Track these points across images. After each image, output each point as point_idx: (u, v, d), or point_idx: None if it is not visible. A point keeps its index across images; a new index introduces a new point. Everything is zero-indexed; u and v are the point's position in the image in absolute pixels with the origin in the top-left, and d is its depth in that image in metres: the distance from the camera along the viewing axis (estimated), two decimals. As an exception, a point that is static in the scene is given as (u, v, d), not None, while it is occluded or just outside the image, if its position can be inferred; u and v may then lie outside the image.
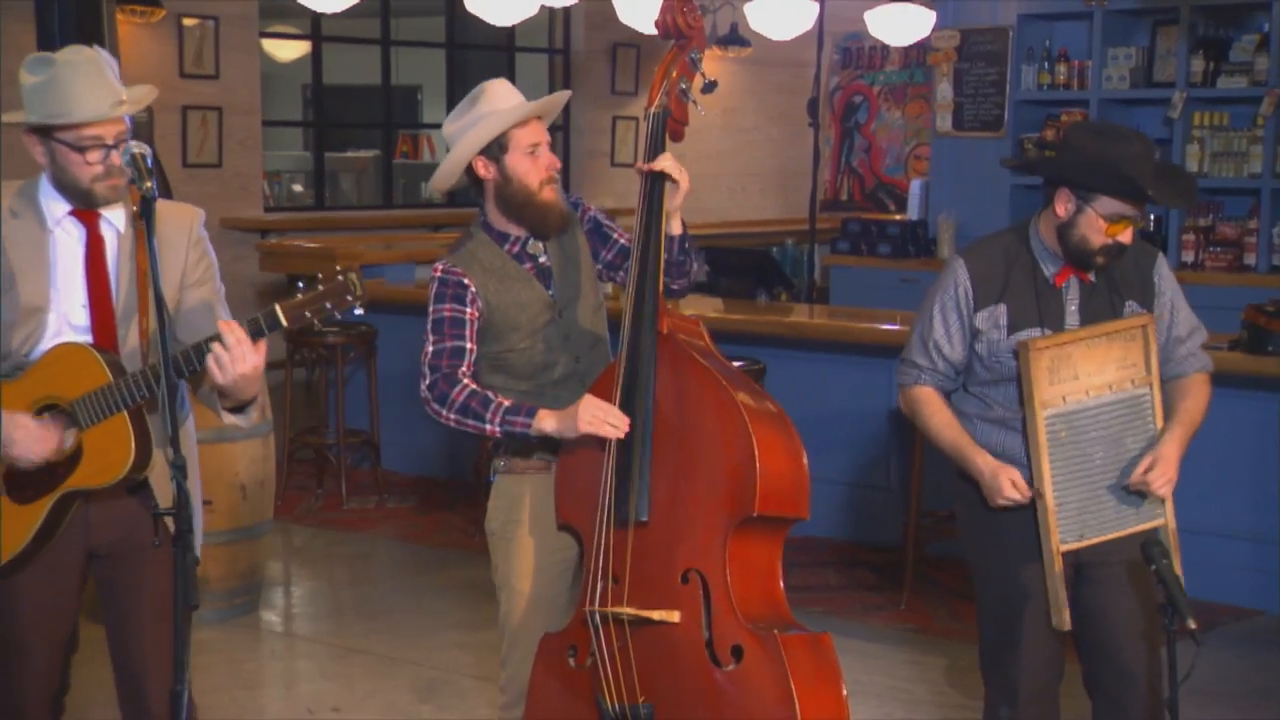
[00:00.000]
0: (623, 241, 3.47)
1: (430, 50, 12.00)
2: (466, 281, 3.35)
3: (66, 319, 3.00)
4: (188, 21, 9.53)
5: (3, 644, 3.10)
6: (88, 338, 2.99)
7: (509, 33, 11.52)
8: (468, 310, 3.34)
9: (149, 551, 2.99)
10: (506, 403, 3.26)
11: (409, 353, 7.50)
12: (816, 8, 9.43)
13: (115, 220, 3.04)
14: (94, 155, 2.92)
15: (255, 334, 2.86)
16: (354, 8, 8.65)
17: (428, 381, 3.34)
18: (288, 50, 12.47)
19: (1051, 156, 4.18)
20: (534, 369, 3.38)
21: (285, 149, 13.28)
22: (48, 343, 2.99)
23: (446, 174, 3.42)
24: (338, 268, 2.88)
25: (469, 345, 3.34)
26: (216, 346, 2.82)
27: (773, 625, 3.09)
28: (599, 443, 3.19)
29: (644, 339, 3.19)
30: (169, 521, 2.71)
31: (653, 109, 3.31)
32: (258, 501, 5.53)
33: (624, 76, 12.01)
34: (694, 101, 3.33)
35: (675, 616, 3.11)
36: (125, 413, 2.92)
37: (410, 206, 12.72)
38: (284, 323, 2.83)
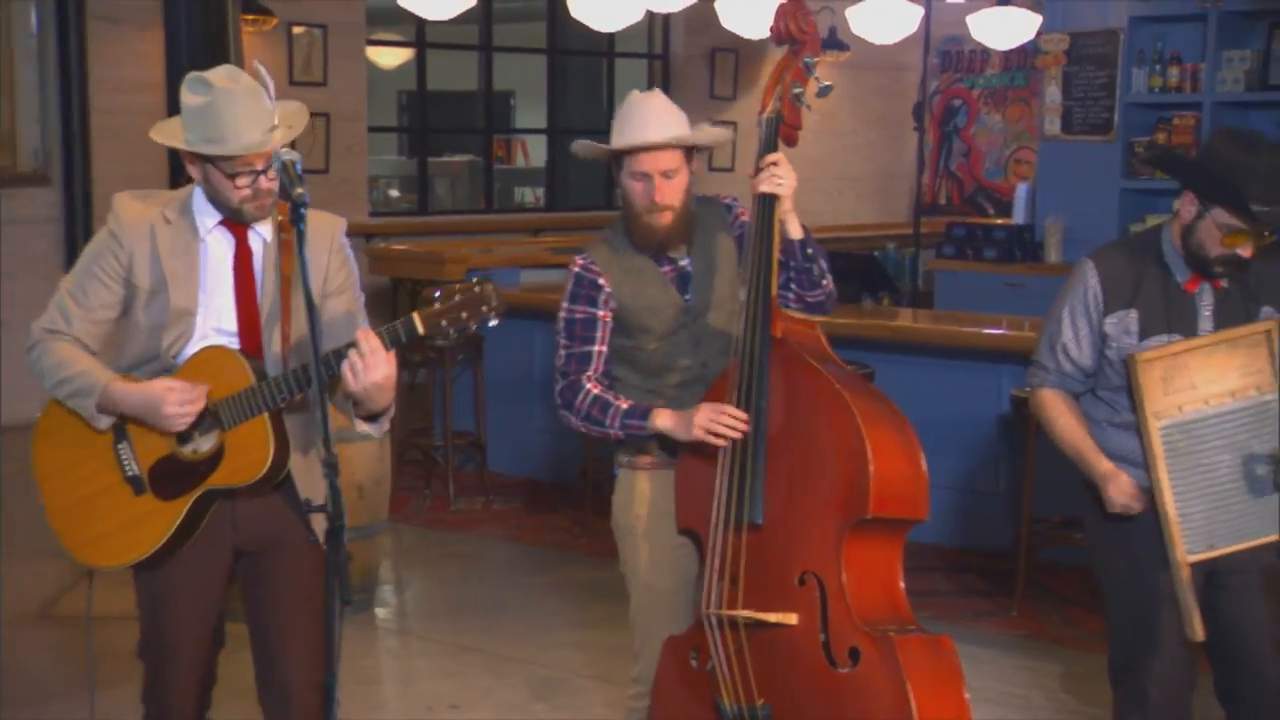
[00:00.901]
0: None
1: (522, 55, 12.07)
2: (602, 281, 3.39)
3: (214, 323, 3.08)
4: (297, 30, 9.70)
5: (152, 637, 3.19)
6: (234, 342, 3.08)
7: (609, 38, 11.58)
8: (599, 312, 3.39)
9: (294, 548, 3.08)
10: (624, 405, 3.33)
11: (515, 355, 7.72)
12: (920, 11, 9.39)
13: (263, 231, 3.12)
14: (243, 180, 3.01)
15: (392, 342, 2.91)
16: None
17: (559, 387, 3.42)
18: (389, 57, 12.62)
19: (1187, 159, 4.13)
20: (659, 369, 3.43)
21: (381, 154, 13.46)
22: (194, 346, 3.07)
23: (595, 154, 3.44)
24: (474, 279, 2.92)
25: (596, 349, 3.39)
26: (352, 354, 2.88)
27: (890, 627, 3.10)
28: (714, 446, 3.22)
29: (757, 343, 3.21)
30: (318, 518, 2.77)
31: (766, 114, 3.33)
32: (374, 501, 5.62)
33: (722, 81, 12.02)
34: (808, 106, 3.35)
35: (792, 619, 3.13)
36: (266, 415, 2.99)
37: (507, 211, 12.84)
38: (421, 332, 2.88)
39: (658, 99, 3.40)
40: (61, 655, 5.23)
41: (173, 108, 7.07)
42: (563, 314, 3.42)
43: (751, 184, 3.29)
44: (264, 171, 3.00)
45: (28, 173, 8.83)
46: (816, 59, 3.34)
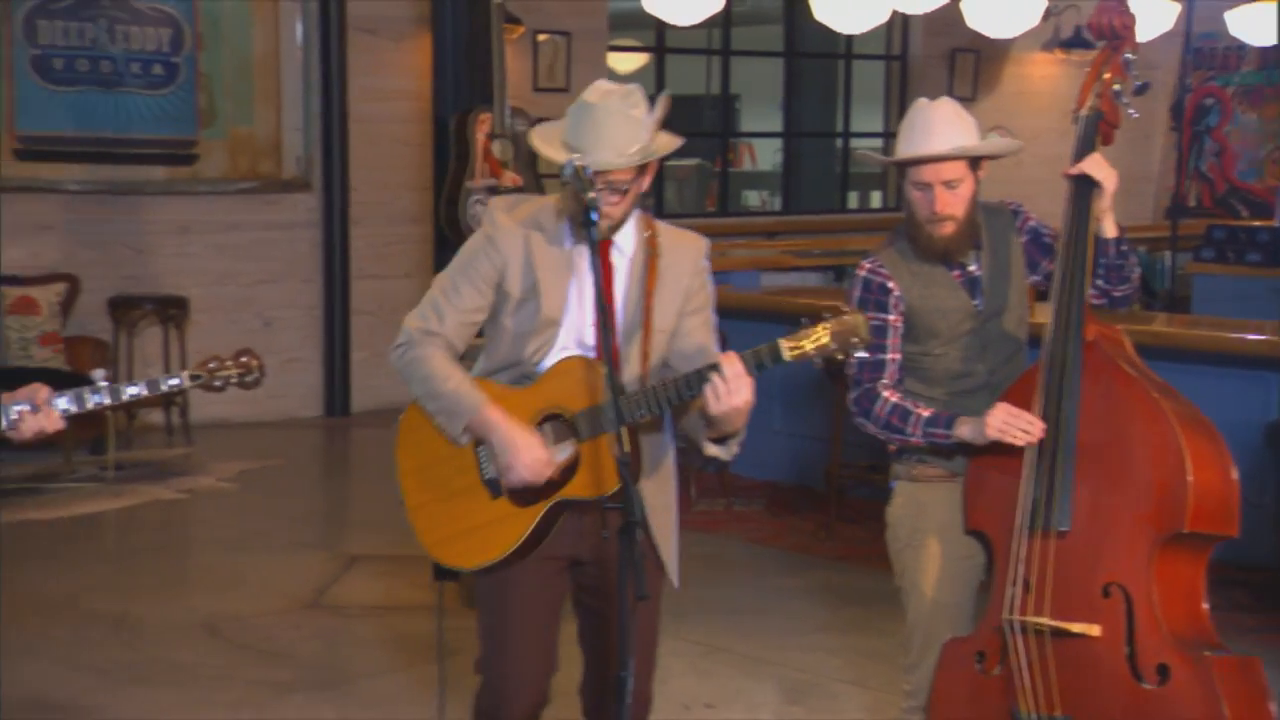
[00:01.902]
0: None
1: (746, 59, 12.08)
2: (891, 284, 3.38)
3: (576, 336, 3.10)
4: (541, 37, 9.91)
5: (492, 651, 3.19)
6: (591, 355, 3.09)
7: (847, 40, 11.52)
8: (890, 317, 3.37)
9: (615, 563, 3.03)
10: (925, 414, 3.29)
11: (758, 359, 7.71)
12: (1177, 9, 9.09)
13: (625, 246, 3.12)
14: (602, 193, 2.99)
15: (755, 368, 2.90)
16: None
17: (853, 395, 3.42)
18: (626, 62, 12.79)
19: None
20: (948, 376, 3.39)
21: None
22: (554, 355, 3.09)
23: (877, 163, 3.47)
24: (843, 308, 2.92)
25: (889, 356, 3.38)
26: (715, 377, 2.87)
27: (1201, 646, 3.02)
28: (1015, 449, 3.17)
29: (1069, 346, 3.16)
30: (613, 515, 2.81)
31: (1083, 112, 3.28)
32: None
33: (962, 82, 11.84)
34: (1127, 104, 3.28)
35: (1095, 630, 3.07)
36: (623, 430, 2.94)
37: (739, 214, 12.88)
38: (785, 358, 2.88)
39: (944, 107, 3.36)
40: (334, 642, 5.45)
41: (430, 115, 7.23)
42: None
43: (1068, 176, 3.25)
44: (625, 191, 3.01)
45: (290, 179, 9.24)
46: (1136, 55, 3.26)
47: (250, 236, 9.16)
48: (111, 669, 5.00)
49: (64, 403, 2.86)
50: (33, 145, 8.38)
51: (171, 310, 8.60)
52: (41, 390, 2.86)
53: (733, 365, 2.87)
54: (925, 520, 3.43)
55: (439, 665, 3.44)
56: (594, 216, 2.86)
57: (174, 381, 2.96)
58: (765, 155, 16.08)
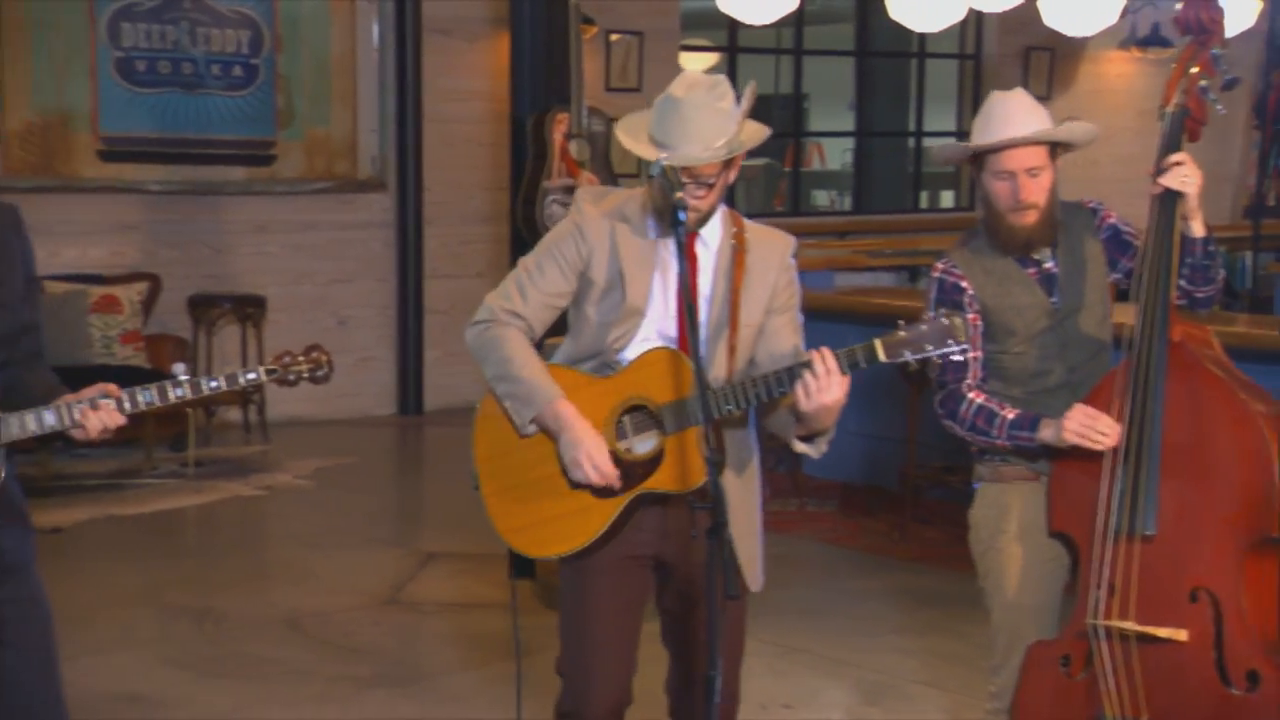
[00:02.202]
0: None
1: (814, 58, 12.05)
2: (964, 284, 3.37)
3: (658, 327, 3.07)
4: (614, 37, 9.94)
5: (574, 652, 3.17)
6: (673, 347, 3.06)
7: (920, 39, 11.46)
8: (967, 316, 3.35)
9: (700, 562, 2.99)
10: (1010, 415, 3.28)
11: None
12: (1258, 5, 8.96)
13: (711, 241, 3.11)
14: (688, 186, 2.97)
15: (849, 366, 2.87)
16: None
17: (938, 397, 3.40)
18: (698, 62, 12.78)
19: None
20: (1026, 375, 3.37)
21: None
22: (636, 346, 3.06)
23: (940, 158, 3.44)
24: (943, 311, 2.90)
25: (971, 354, 3.35)
26: (807, 374, 2.85)
27: (1293, 654, 2.99)
28: (1096, 450, 3.15)
29: (1154, 347, 3.13)
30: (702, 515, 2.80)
31: (1169, 108, 3.23)
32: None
33: (1037, 81, 11.73)
34: (1215, 100, 3.24)
35: (1182, 635, 3.04)
36: (710, 427, 2.93)
37: (809, 214, 12.85)
38: (881, 359, 2.86)
39: (1021, 96, 3.35)
40: (412, 638, 5.50)
41: (503, 115, 7.31)
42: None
43: (1154, 182, 3.21)
44: (712, 185, 2.99)
45: (366, 179, 9.33)
46: (1224, 50, 3.22)
47: (326, 236, 9.26)
48: (197, 663, 5.08)
49: (146, 396, 2.91)
50: (116, 146, 8.53)
51: (249, 309, 8.71)
52: (110, 388, 2.91)
53: (826, 362, 2.85)
54: (1008, 522, 3.41)
55: (516, 665, 3.40)
56: (682, 215, 2.83)
57: (251, 375, 3.01)
58: (834, 155, 16.04)
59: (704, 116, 2.97)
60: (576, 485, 3.04)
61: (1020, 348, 3.37)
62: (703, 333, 3.06)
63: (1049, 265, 3.39)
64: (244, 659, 5.14)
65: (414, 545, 6.66)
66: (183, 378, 2.94)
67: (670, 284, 3.06)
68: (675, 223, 2.85)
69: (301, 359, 3.06)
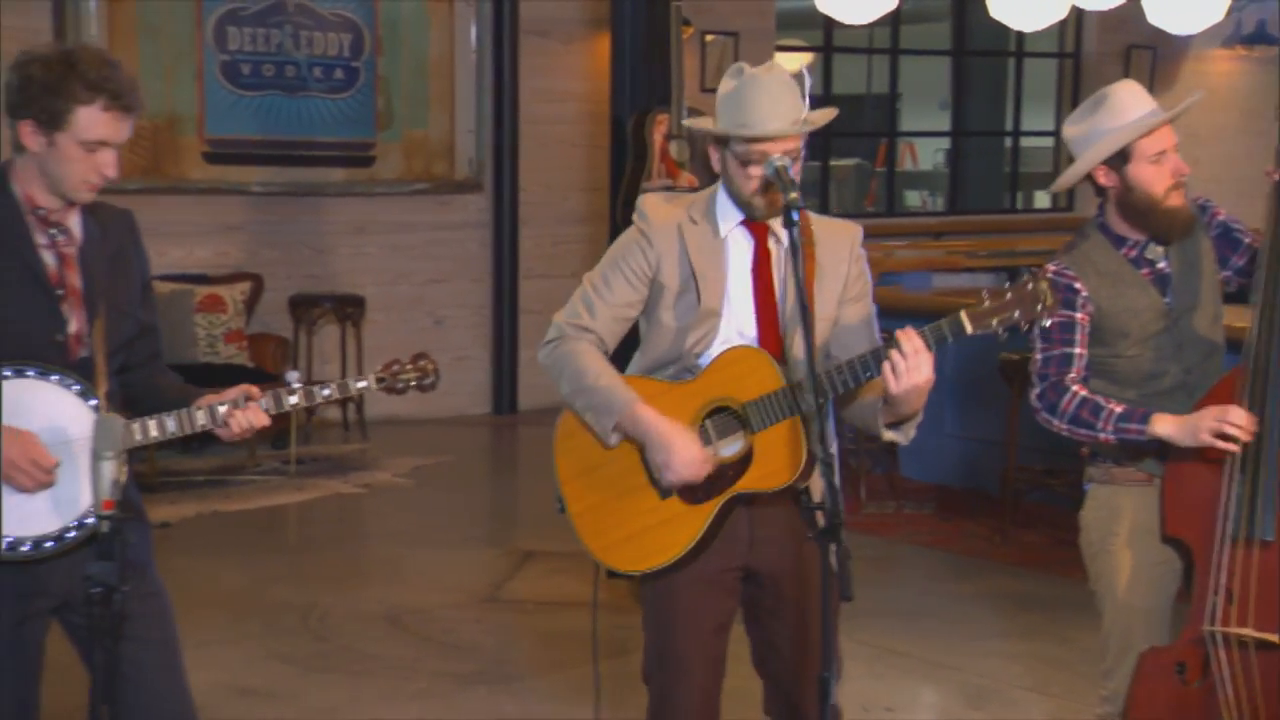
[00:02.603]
0: (1257, 246, 3.35)
1: (906, 57, 11.96)
2: (1078, 285, 3.33)
3: (737, 326, 3.04)
4: (709, 38, 9.95)
5: (662, 660, 3.14)
6: (753, 346, 3.03)
7: (1018, 38, 11.35)
8: (1077, 315, 3.32)
9: (806, 566, 3.01)
10: (1118, 409, 3.23)
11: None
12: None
13: (782, 235, 3.06)
14: (755, 170, 2.95)
15: (936, 342, 2.82)
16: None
17: (1037, 391, 3.34)
18: (793, 62, 12.76)
19: None
20: (1140, 377, 3.33)
21: (777, 158, 13.57)
22: (716, 348, 3.02)
23: (1068, 180, 3.41)
24: (1026, 276, 2.84)
25: (1077, 351, 3.32)
26: (894, 354, 2.80)
27: None
28: (1213, 452, 3.10)
29: (1273, 348, 3.08)
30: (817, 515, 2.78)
31: None
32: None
33: (1138, 79, 11.31)
34: None
35: (1303, 643, 3.00)
36: (796, 419, 2.92)
37: (904, 214, 12.76)
38: (968, 331, 2.80)
39: (1134, 83, 3.36)
40: (512, 636, 5.54)
41: (598, 116, 7.32)
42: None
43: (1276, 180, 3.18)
44: (795, 158, 2.94)
45: (463, 180, 9.41)
46: None
47: (423, 237, 9.35)
48: (302, 657, 5.15)
49: (263, 403, 2.96)
50: (220, 149, 8.67)
51: (348, 309, 8.82)
52: (252, 390, 2.96)
53: (911, 341, 2.79)
54: (1119, 524, 3.37)
55: (594, 666, 3.39)
56: (795, 216, 2.80)
57: (361, 384, 3.03)
58: (925, 155, 15.91)
59: (783, 91, 2.96)
60: (666, 493, 3.00)
61: (1134, 350, 3.33)
62: (783, 327, 3.02)
63: (1162, 265, 3.35)
64: (348, 654, 5.21)
65: (511, 544, 6.71)
66: (296, 385, 2.99)
67: (743, 282, 3.04)
68: (789, 223, 2.82)
69: (409, 367, 3.08)
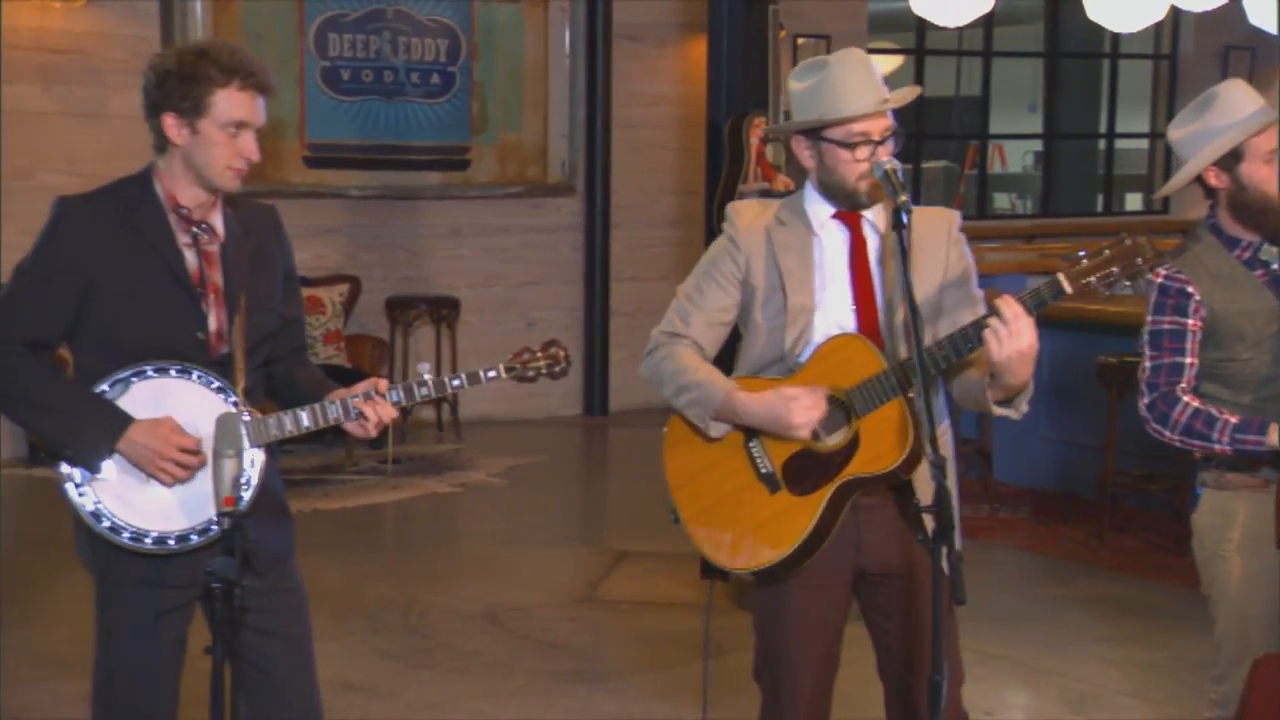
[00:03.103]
0: None
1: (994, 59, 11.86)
2: (1190, 289, 3.30)
3: (835, 319, 3.01)
4: (801, 41, 9.94)
5: (772, 660, 3.12)
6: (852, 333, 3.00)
7: (1113, 39, 11.23)
8: (1189, 321, 3.29)
9: (916, 569, 3.02)
10: (1233, 420, 3.19)
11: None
12: None
13: (877, 222, 3.05)
14: (861, 152, 2.92)
15: (1036, 305, 2.75)
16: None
17: (1146, 400, 3.31)
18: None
19: None
20: (1256, 381, 3.29)
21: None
22: (815, 344, 3.00)
23: (1178, 183, 3.39)
24: (1124, 233, 2.79)
25: (1188, 360, 3.28)
26: (993, 321, 2.75)
27: None
28: None
29: None
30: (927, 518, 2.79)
31: None
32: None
33: (1235, 80, 11.41)
34: None
35: None
36: (901, 400, 2.89)
37: (994, 217, 12.66)
38: (1068, 290, 2.74)
39: (1242, 82, 3.33)
40: (608, 635, 5.58)
41: (689, 120, 7.33)
42: (1149, 326, 3.34)
43: None
44: (881, 143, 2.92)
45: (555, 184, 9.49)
46: None
47: (516, 239, 9.44)
48: (403, 654, 5.23)
49: (394, 395, 3.00)
50: (320, 153, 8.83)
51: (443, 310, 8.93)
52: (380, 383, 3.00)
53: (1011, 306, 2.74)
54: (1232, 529, 3.33)
55: (704, 668, 3.38)
56: (905, 218, 2.78)
57: (492, 374, 3.04)
58: (1014, 157, 15.77)
59: (867, 73, 2.96)
60: (777, 488, 2.99)
61: (1249, 354, 3.29)
62: (883, 317, 3.01)
63: (1276, 266, 3.31)
64: (447, 651, 5.28)
65: (605, 544, 6.76)
66: (426, 377, 3.02)
67: (840, 275, 3.02)
68: (898, 225, 2.81)
69: (540, 355, 3.10)
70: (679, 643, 5.38)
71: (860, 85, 2.93)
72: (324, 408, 2.96)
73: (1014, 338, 2.75)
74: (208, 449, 2.88)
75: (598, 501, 8.15)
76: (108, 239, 2.89)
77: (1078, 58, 11.97)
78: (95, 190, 2.99)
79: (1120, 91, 11.89)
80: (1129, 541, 6.62)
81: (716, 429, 3.03)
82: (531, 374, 3.09)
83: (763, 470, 3.02)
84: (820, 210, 3.06)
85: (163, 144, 2.93)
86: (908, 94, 3.02)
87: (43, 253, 2.90)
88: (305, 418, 2.95)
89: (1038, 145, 12.95)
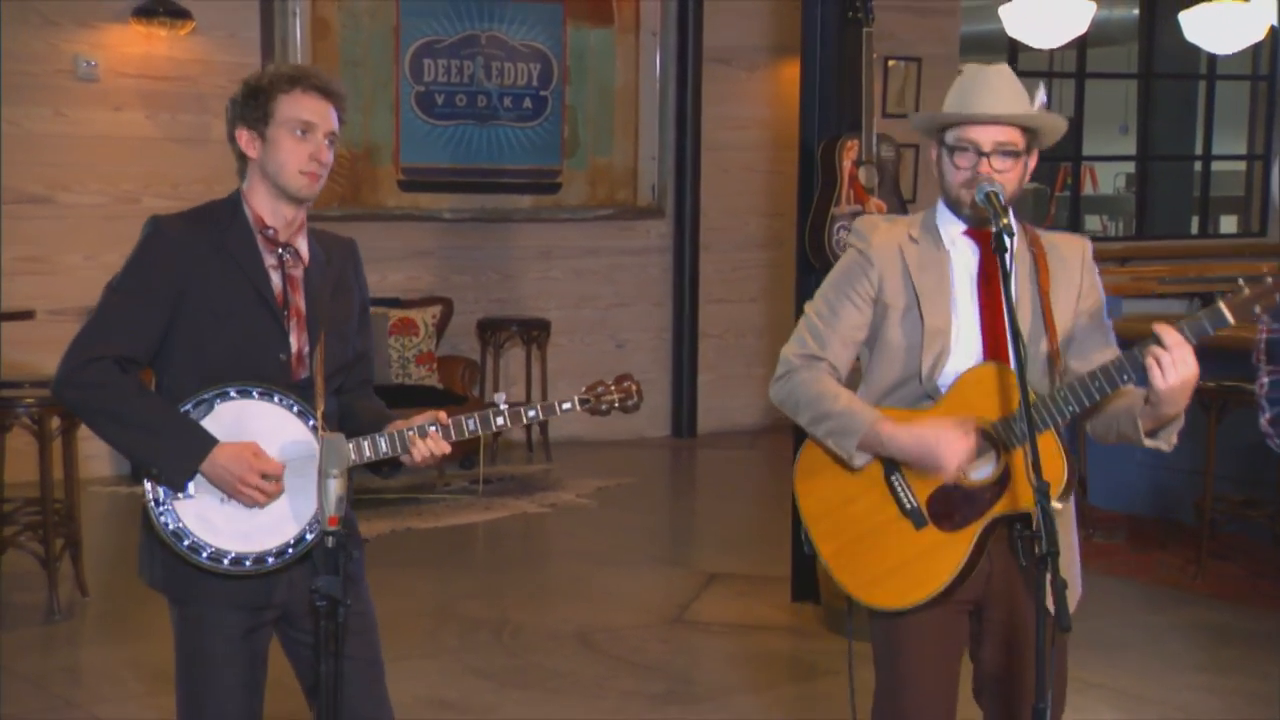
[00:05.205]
0: None
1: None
2: None
3: (964, 342, 2.94)
4: (892, 63, 9.92)
5: (894, 690, 3.07)
6: (981, 357, 2.94)
7: (1210, 60, 11.09)
8: None
9: (1021, 594, 2.96)
10: None
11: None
12: None
13: (1007, 241, 2.88)
14: (962, 159, 2.88)
15: (1195, 335, 2.70)
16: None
17: (1269, 415, 3.29)
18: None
19: None
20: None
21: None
22: (952, 365, 2.93)
23: None
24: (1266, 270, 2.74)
25: None
26: (1156, 350, 2.68)
27: None
28: None
29: None
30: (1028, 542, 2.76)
31: None
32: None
33: (1334, 100, 11.22)
34: None
35: None
36: (1051, 432, 2.81)
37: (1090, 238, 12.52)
38: (1230, 320, 2.67)
39: None
40: (700, 657, 5.59)
41: (778, 142, 7.31)
42: (1265, 335, 3.30)
43: None
44: (988, 155, 2.86)
45: (645, 206, 9.54)
46: None
47: (606, 262, 9.50)
48: (496, 673, 5.27)
49: (471, 424, 3.00)
50: (414, 177, 8.94)
51: (534, 332, 9.00)
52: (440, 415, 3.01)
53: (1171, 334, 2.66)
54: None
55: (850, 702, 3.26)
56: (1006, 241, 2.76)
57: (566, 406, 3.05)
58: (1106, 179, 15.60)
59: (1006, 82, 2.90)
60: (923, 524, 2.91)
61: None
62: (1013, 341, 2.86)
63: None
64: (541, 671, 5.31)
65: (695, 565, 6.76)
66: (503, 406, 3.03)
67: (969, 294, 2.96)
68: (999, 248, 2.77)
69: (613, 388, 3.10)
70: (771, 665, 5.37)
71: (982, 92, 2.88)
72: (375, 440, 2.98)
73: (1179, 365, 2.69)
74: (292, 471, 2.92)
75: (686, 523, 8.16)
76: (198, 258, 2.92)
77: (1173, 79, 11.83)
78: (187, 210, 3.03)
79: (1216, 112, 11.73)
80: (1228, 568, 6.51)
81: (861, 459, 2.92)
82: (604, 407, 3.09)
83: (907, 505, 2.93)
84: (951, 226, 3.00)
85: (243, 163, 2.99)
86: (1041, 115, 2.93)
87: (134, 270, 2.93)
88: (384, 443, 2.98)
89: (1129, 167, 12.80)
